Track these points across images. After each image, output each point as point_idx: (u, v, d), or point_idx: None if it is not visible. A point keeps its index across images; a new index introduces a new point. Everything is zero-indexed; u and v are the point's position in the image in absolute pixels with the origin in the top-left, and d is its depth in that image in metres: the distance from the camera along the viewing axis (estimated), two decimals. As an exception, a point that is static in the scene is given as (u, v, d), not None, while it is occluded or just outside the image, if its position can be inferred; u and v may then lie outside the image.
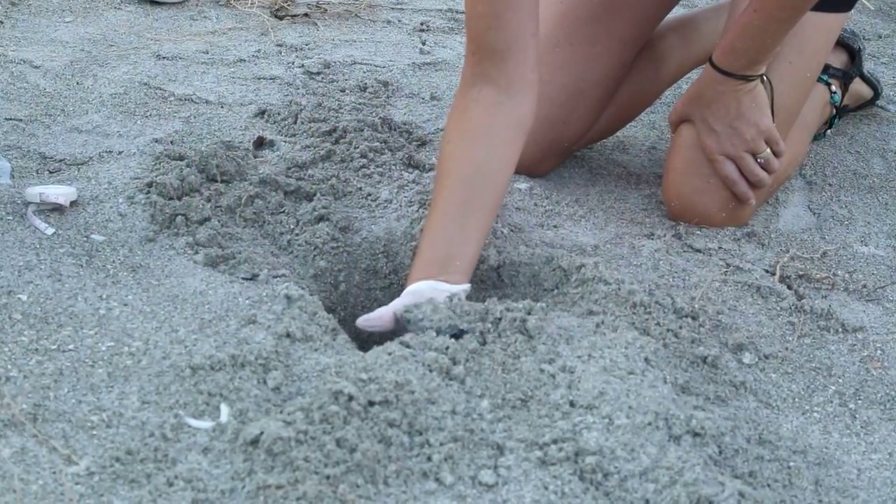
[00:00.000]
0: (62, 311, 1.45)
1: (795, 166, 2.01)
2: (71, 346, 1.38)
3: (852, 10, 1.91)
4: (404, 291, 1.53)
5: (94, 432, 1.24)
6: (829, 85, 2.11)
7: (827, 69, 2.10)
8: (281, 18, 2.53)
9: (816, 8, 1.73)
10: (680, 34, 1.98)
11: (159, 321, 1.45)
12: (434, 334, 1.43)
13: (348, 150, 1.94)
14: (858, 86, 2.23)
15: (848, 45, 2.16)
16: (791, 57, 1.76)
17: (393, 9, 2.68)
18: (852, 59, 2.16)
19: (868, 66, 2.46)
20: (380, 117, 2.05)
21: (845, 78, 2.14)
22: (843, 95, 2.15)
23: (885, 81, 2.45)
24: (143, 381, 1.32)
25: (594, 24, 1.55)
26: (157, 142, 1.91)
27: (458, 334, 1.45)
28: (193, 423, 1.27)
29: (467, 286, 1.55)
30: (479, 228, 1.59)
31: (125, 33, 2.36)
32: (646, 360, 1.43)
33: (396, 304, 1.50)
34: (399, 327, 1.49)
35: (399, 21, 2.61)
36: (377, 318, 1.50)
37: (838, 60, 2.14)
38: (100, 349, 1.38)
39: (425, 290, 1.51)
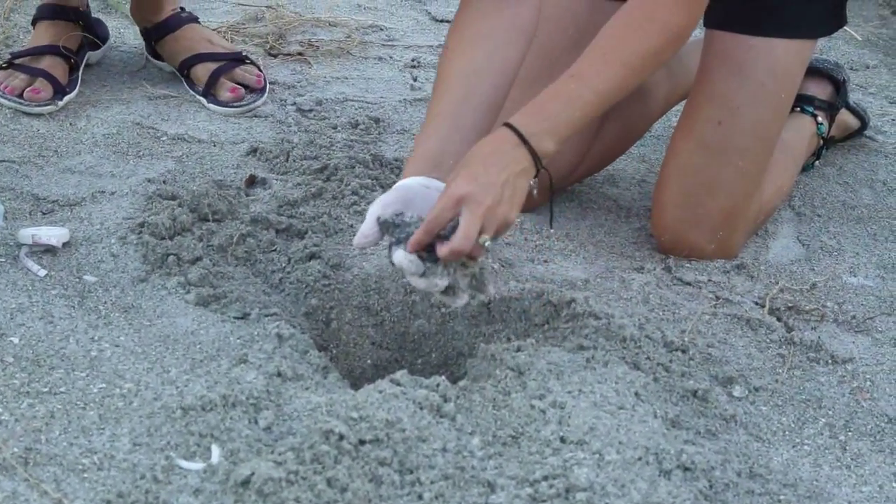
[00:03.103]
0: (54, 353, 1.45)
1: (783, 198, 2.02)
2: (62, 389, 1.38)
3: (822, 38, 1.93)
4: (394, 186, 1.50)
5: (86, 475, 1.24)
6: (815, 116, 2.12)
7: (812, 101, 2.13)
8: (274, 56, 2.55)
9: (785, 34, 1.77)
10: (666, 68, 2.00)
11: (151, 362, 1.46)
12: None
13: (339, 187, 1.95)
14: (845, 116, 2.25)
15: (832, 77, 2.17)
16: (764, 79, 1.78)
17: (384, 45, 2.70)
18: (837, 90, 2.18)
19: (855, 96, 2.48)
20: (371, 154, 2.06)
21: (831, 109, 2.16)
22: (829, 126, 2.16)
23: (873, 111, 2.46)
24: (134, 423, 1.33)
25: (573, 54, 1.56)
26: (149, 181, 1.92)
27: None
28: (184, 464, 1.27)
29: None
30: (475, 126, 1.57)
31: (118, 73, 2.38)
32: (636, 394, 1.44)
33: (377, 208, 1.46)
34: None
35: (390, 58, 2.63)
36: (363, 235, 1.46)
37: (823, 92, 2.16)
38: (91, 391, 1.39)
39: (413, 186, 1.49)
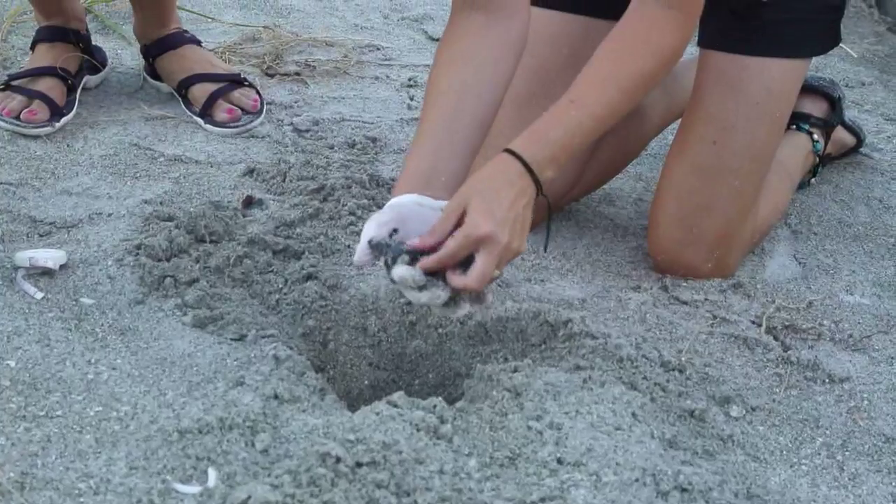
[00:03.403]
0: (50, 376, 1.45)
1: (779, 216, 2.03)
2: (59, 412, 1.38)
3: (816, 56, 1.94)
4: (386, 204, 1.50)
5: (82, 500, 1.24)
6: (810, 134, 2.13)
7: (808, 118, 2.13)
8: (271, 77, 2.56)
9: (779, 54, 1.78)
10: (661, 86, 2.01)
11: (147, 385, 1.46)
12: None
13: (336, 207, 1.96)
14: (841, 134, 2.26)
15: (828, 94, 2.18)
16: (758, 98, 1.79)
17: (381, 65, 2.70)
18: (833, 108, 2.19)
19: (851, 113, 2.49)
20: (368, 174, 2.06)
21: (826, 126, 2.16)
22: (825, 144, 2.17)
23: (869, 129, 2.47)
24: (130, 447, 1.33)
25: (567, 74, 1.57)
26: (146, 203, 1.92)
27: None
28: (181, 488, 1.27)
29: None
30: (467, 142, 1.56)
31: (115, 94, 2.38)
32: (633, 414, 1.44)
33: (371, 226, 1.47)
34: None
35: (387, 77, 2.63)
36: (358, 258, 1.47)
37: (819, 109, 2.16)
38: (88, 414, 1.39)
39: (406, 204, 1.48)
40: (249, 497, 1.22)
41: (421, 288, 1.43)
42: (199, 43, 2.41)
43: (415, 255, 1.43)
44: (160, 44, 2.37)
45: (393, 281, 1.45)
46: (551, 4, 1.92)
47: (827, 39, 1.86)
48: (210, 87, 2.30)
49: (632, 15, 1.57)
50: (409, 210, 1.48)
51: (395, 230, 1.47)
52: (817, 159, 2.16)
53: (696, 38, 1.86)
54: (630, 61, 1.53)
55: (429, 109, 1.59)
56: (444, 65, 1.61)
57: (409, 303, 1.71)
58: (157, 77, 2.42)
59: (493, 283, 1.49)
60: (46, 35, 2.29)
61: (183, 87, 2.32)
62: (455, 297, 1.45)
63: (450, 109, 1.58)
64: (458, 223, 1.43)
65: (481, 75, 1.60)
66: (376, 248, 1.46)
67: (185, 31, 2.41)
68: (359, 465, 1.28)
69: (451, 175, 1.54)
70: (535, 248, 1.91)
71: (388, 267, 1.45)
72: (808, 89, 2.16)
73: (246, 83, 2.35)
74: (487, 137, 1.63)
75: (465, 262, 1.43)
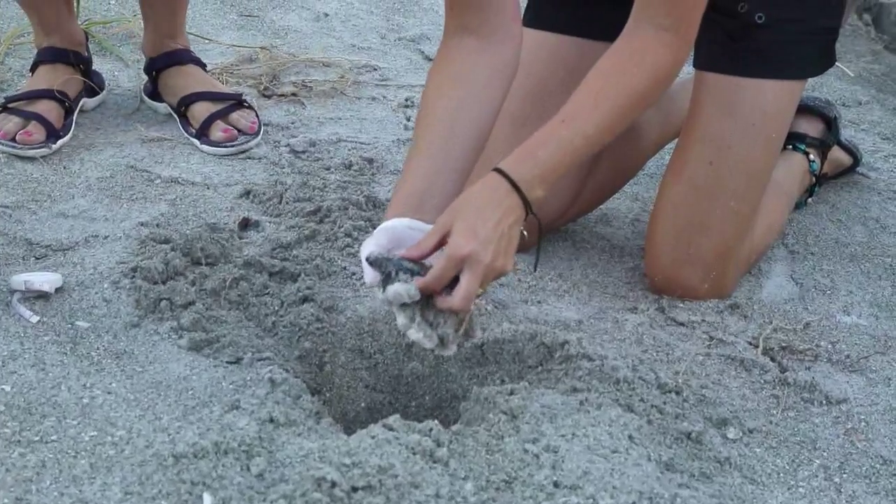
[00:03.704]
0: (45, 400, 1.45)
1: (776, 236, 2.03)
2: (54, 437, 1.38)
3: (811, 78, 1.94)
4: (377, 228, 1.51)
5: (76, 526, 1.24)
6: (807, 154, 2.13)
7: (804, 138, 2.14)
8: (268, 97, 2.56)
9: (774, 75, 1.78)
10: (657, 107, 2.01)
11: (143, 409, 1.45)
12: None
13: (333, 229, 1.96)
14: (837, 153, 2.26)
15: (824, 114, 2.19)
16: (754, 119, 1.79)
17: (377, 85, 2.71)
18: (829, 128, 2.19)
19: (848, 132, 2.49)
20: (364, 195, 2.07)
21: (823, 146, 2.17)
22: (821, 164, 2.17)
23: (865, 148, 2.47)
24: (125, 472, 1.32)
25: (562, 95, 1.57)
26: (142, 225, 1.92)
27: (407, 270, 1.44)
28: (176, 513, 1.26)
29: None
30: (460, 164, 1.57)
31: (112, 116, 2.38)
32: (630, 437, 1.43)
33: (367, 251, 1.48)
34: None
35: (384, 97, 2.64)
36: (370, 279, 1.48)
37: (815, 129, 2.17)
38: (83, 439, 1.38)
39: (398, 228, 1.49)
40: (244, 522, 1.22)
41: (410, 320, 1.44)
42: (204, 67, 2.42)
43: (410, 274, 1.44)
44: (167, 57, 2.37)
45: (388, 302, 1.45)
46: (548, 26, 1.93)
47: (822, 60, 1.87)
48: (210, 108, 2.30)
49: (627, 36, 1.57)
50: (401, 233, 1.49)
51: (391, 250, 1.48)
52: (814, 179, 2.17)
53: (692, 59, 1.87)
54: (623, 81, 1.53)
55: (422, 131, 1.59)
56: (437, 87, 1.62)
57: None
58: (154, 97, 2.42)
59: (481, 317, 1.49)
60: (48, 56, 2.29)
61: (183, 105, 2.32)
62: (444, 337, 1.47)
63: (444, 131, 1.58)
64: (443, 241, 1.44)
65: (474, 97, 1.60)
66: (376, 263, 1.46)
67: (193, 52, 2.42)
68: (354, 489, 1.27)
69: (445, 197, 1.54)
70: (531, 269, 1.91)
71: (384, 285, 1.45)
72: (805, 109, 2.16)
73: (246, 105, 2.35)
74: (482, 157, 1.63)
75: (451, 285, 1.44)
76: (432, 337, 1.45)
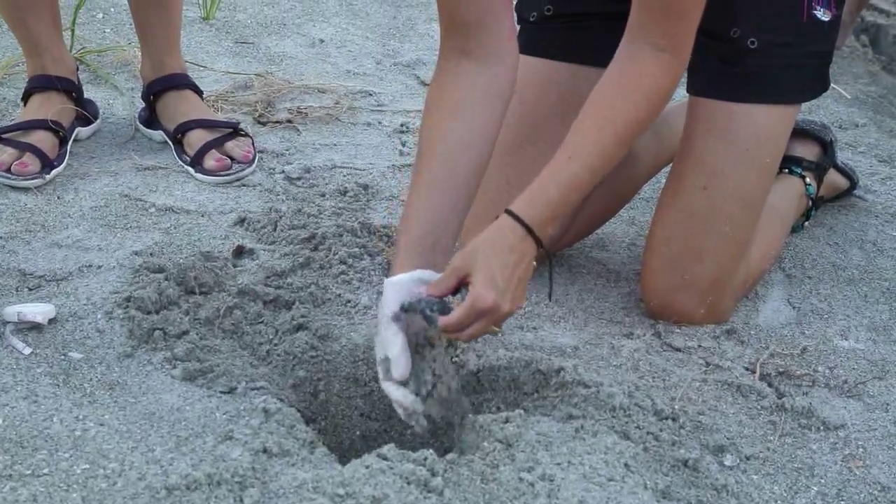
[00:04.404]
0: (37, 433, 1.44)
1: (772, 260, 2.02)
2: (45, 471, 1.37)
3: (804, 103, 1.95)
4: (386, 281, 1.52)
5: (67, 561, 1.23)
6: (803, 178, 2.13)
7: (800, 162, 2.13)
8: (263, 124, 2.56)
9: (768, 101, 1.78)
10: (651, 131, 2.01)
11: (135, 440, 1.44)
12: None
13: (327, 256, 1.95)
14: (833, 177, 2.26)
15: (819, 138, 2.18)
16: (747, 144, 1.78)
17: (373, 111, 2.71)
18: (825, 151, 2.19)
19: (845, 154, 2.49)
20: (359, 222, 2.06)
21: (819, 170, 2.16)
22: (818, 187, 2.17)
23: (862, 171, 2.47)
24: (117, 505, 1.31)
25: (556, 121, 1.58)
26: (136, 254, 1.91)
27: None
28: (168, 546, 1.25)
29: None
30: (464, 198, 1.59)
31: (106, 144, 2.38)
32: (626, 465, 1.42)
33: (384, 317, 1.49)
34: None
35: (379, 123, 2.64)
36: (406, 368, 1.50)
37: (811, 153, 2.16)
38: (75, 472, 1.37)
39: (406, 283, 1.51)
40: (236, 556, 1.21)
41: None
42: (200, 93, 2.42)
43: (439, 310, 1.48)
44: (165, 81, 2.38)
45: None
46: (540, 52, 1.93)
47: (815, 85, 1.87)
48: (206, 136, 2.30)
49: (623, 60, 1.57)
50: (409, 292, 1.50)
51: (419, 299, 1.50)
52: (810, 202, 2.16)
53: (686, 83, 1.87)
54: (624, 110, 1.54)
55: (423, 165, 1.60)
56: (434, 117, 1.63)
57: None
58: (149, 125, 2.42)
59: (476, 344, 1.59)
60: (38, 84, 2.29)
61: (179, 132, 2.32)
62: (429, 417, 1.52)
63: (445, 166, 1.59)
64: (461, 282, 1.48)
65: (474, 126, 1.61)
66: (407, 309, 1.49)
67: (190, 77, 2.42)
68: (348, 521, 1.26)
69: (452, 235, 1.58)
70: (528, 295, 1.90)
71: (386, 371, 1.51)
72: (800, 133, 2.16)
73: (242, 133, 2.35)
74: None
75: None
76: (423, 424, 1.51)
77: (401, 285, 1.50)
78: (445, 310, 1.48)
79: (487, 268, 1.47)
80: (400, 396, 1.50)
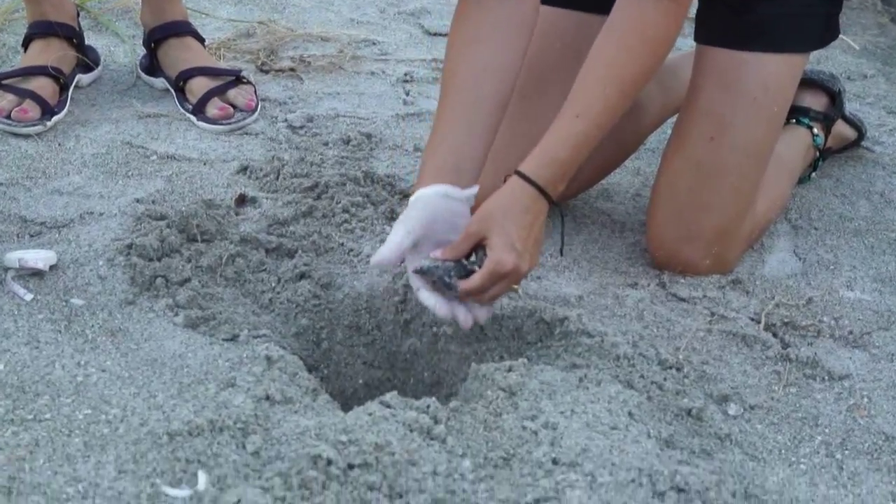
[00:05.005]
0: (39, 379, 1.43)
1: (779, 211, 2.00)
2: (48, 416, 1.36)
3: (815, 51, 1.92)
4: (412, 198, 1.54)
5: (69, 505, 1.22)
6: (811, 128, 2.11)
7: (808, 112, 2.11)
8: (266, 72, 2.54)
9: (776, 49, 1.76)
10: (657, 81, 1.99)
11: (137, 387, 1.44)
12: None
13: (330, 205, 1.94)
14: (842, 128, 2.23)
15: (828, 88, 2.16)
16: (755, 94, 1.76)
17: (377, 60, 2.68)
18: (833, 102, 2.16)
19: (853, 106, 2.47)
20: (362, 171, 2.04)
21: (827, 120, 2.14)
22: (826, 138, 2.15)
23: (870, 122, 2.45)
24: (119, 450, 1.31)
25: (561, 71, 1.56)
26: (138, 202, 1.90)
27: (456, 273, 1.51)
28: (171, 491, 1.25)
29: (475, 189, 1.58)
30: (488, 127, 1.61)
31: (108, 92, 2.36)
32: (629, 414, 1.42)
33: (400, 230, 1.51)
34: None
35: (383, 72, 2.61)
36: (385, 258, 1.50)
37: (819, 103, 2.14)
38: (77, 417, 1.37)
39: (432, 197, 1.53)
40: (239, 500, 1.20)
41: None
42: (202, 40, 2.40)
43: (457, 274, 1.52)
44: (165, 28, 2.35)
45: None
46: (545, 0, 1.90)
47: (824, 33, 1.84)
48: (208, 83, 2.28)
49: (624, 8, 1.55)
50: (437, 208, 1.53)
51: (436, 263, 1.52)
52: (818, 153, 2.14)
53: (693, 33, 1.84)
54: (629, 62, 1.53)
55: (448, 94, 1.61)
56: (458, 46, 1.63)
57: (403, 301, 1.69)
58: (151, 73, 2.40)
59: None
60: (39, 29, 2.27)
61: (181, 79, 2.30)
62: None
63: (470, 95, 1.60)
64: (477, 245, 1.51)
65: (497, 57, 1.62)
66: (424, 272, 1.52)
67: (191, 25, 2.40)
68: (350, 466, 1.26)
69: (476, 161, 1.59)
70: (557, 254, 1.89)
71: (422, 290, 1.54)
72: (808, 83, 2.14)
73: (245, 81, 2.33)
74: None
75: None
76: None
77: (426, 200, 1.53)
78: (464, 272, 1.51)
79: (504, 231, 1.49)
80: (433, 304, 1.54)
